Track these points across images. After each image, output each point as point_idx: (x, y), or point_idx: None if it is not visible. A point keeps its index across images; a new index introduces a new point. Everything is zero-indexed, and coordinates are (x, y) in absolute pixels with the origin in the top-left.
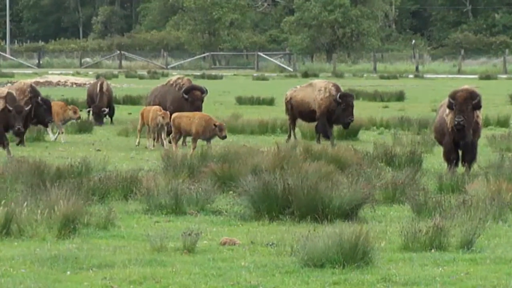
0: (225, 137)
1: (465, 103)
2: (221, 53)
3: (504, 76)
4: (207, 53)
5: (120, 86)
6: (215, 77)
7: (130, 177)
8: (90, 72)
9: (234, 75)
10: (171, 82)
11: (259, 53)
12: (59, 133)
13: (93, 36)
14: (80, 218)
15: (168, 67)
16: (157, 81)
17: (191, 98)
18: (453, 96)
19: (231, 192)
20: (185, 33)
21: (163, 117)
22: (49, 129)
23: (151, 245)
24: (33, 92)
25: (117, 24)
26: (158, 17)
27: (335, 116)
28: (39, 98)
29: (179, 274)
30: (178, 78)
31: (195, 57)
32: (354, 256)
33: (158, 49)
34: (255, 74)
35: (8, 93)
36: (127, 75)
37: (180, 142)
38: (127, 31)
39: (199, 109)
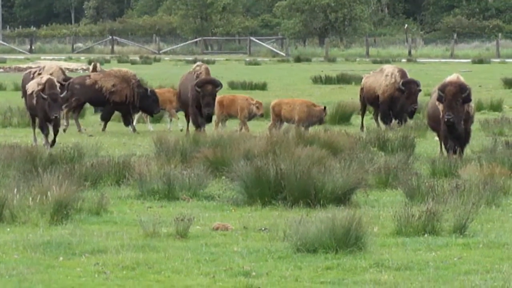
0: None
1: (455, 98)
2: (214, 38)
3: (497, 60)
4: (199, 38)
5: None
6: (207, 62)
7: (123, 163)
8: (82, 58)
9: (227, 60)
10: (191, 70)
11: (252, 38)
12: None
13: (85, 21)
14: (73, 203)
15: (160, 52)
16: (149, 66)
17: (203, 93)
18: (442, 89)
19: (223, 177)
20: (177, 18)
21: (257, 108)
22: (147, 120)
23: (144, 230)
24: (138, 82)
25: (109, 9)
26: (150, 2)
27: (399, 105)
28: (149, 90)
29: (171, 260)
30: (198, 65)
31: (187, 42)
32: (347, 241)
33: (150, 34)
34: (247, 59)
35: (48, 79)
36: (119, 60)
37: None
38: (119, 16)
39: (209, 105)
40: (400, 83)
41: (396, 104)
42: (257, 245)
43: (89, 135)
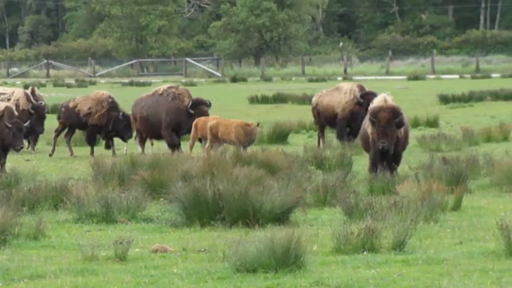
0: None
1: (389, 124)
2: (149, 60)
3: (432, 76)
4: (135, 60)
5: (48, 95)
6: (143, 84)
7: (60, 187)
8: (18, 82)
9: (163, 81)
10: (160, 92)
11: (187, 59)
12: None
13: (20, 45)
14: (10, 229)
15: (96, 75)
16: (85, 89)
17: (198, 114)
18: (375, 115)
19: (161, 199)
20: (112, 40)
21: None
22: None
23: (82, 254)
24: (113, 104)
25: (43, 33)
26: (85, 25)
27: (360, 119)
28: (121, 114)
29: (111, 283)
30: (170, 87)
31: (123, 65)
32: (287, 260)
33: (86, 57)
34: (183, 80)
35: (6, 107)
36: (55, 84)
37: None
38: (54, 40)
39: None
40: (358, 95)
41: (357, 120)
42: (196, 267)
43: (26, 159)
